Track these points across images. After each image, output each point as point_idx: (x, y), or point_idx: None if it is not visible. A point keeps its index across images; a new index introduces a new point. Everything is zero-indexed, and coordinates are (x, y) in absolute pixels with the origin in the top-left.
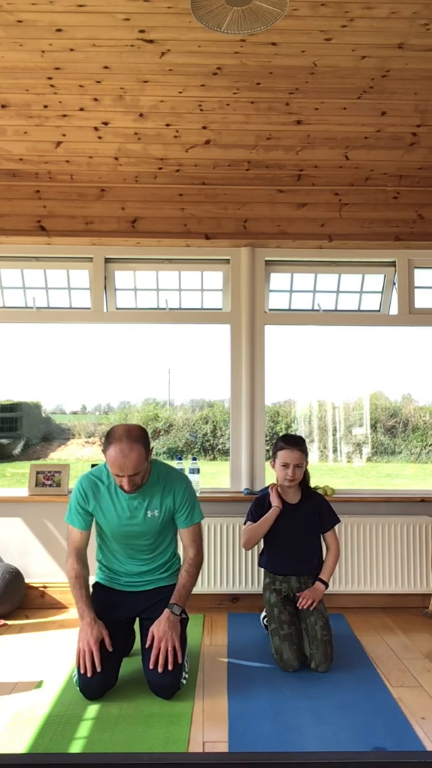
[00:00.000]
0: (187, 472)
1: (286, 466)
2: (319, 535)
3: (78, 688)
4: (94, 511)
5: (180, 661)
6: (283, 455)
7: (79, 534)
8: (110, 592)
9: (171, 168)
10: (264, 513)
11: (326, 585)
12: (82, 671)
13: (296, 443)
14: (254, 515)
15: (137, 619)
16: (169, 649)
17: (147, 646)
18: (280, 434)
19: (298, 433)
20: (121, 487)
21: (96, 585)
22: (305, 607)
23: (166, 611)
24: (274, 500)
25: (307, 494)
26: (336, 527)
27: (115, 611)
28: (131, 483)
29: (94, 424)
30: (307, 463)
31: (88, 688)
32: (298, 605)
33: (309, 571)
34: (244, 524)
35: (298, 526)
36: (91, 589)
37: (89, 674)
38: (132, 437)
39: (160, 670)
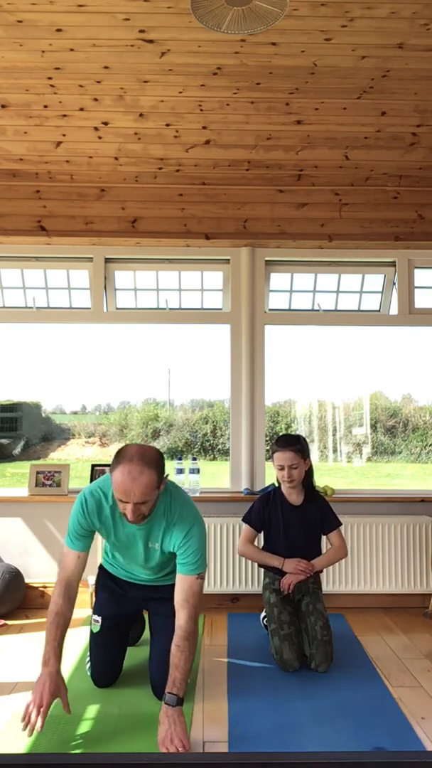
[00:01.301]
0: (187, 472)
1: (281, 468)
2: (321, 538)
3: (90, 676)
4: (98, 529)
5: (188, 748)
6: (276, 457)
7: (75, 559)
8: (114, 581)
9: (171, 168)
10: (268, 513)
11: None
12: (24, 724)
13: (287, 443)
14: (256, 516)
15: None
16: (178, 748)
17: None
18: (280, 434)
19: (298, 433)
20: (124, 515)
21: (101, 568)
22: (286, 589)
23: (163, 707)
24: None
25: (311, 496)
26: (341, 528)
27: (120, 603)
28: (136, 512)
29: (94, 424)
30: (307, 463)
31: (102, 678)
32: (281, 589)
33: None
34: (243, 521)
35: (300, 528)
36: (96, 571)
37: (28, 734)
38: (145, 459)
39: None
